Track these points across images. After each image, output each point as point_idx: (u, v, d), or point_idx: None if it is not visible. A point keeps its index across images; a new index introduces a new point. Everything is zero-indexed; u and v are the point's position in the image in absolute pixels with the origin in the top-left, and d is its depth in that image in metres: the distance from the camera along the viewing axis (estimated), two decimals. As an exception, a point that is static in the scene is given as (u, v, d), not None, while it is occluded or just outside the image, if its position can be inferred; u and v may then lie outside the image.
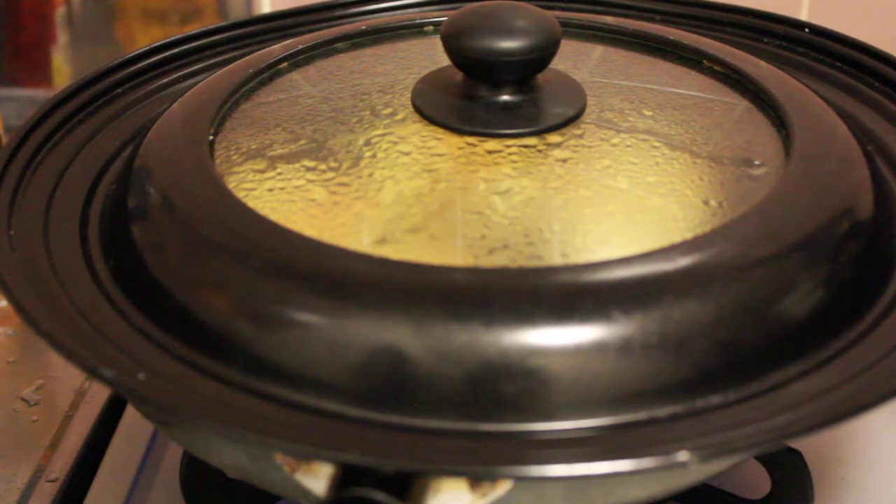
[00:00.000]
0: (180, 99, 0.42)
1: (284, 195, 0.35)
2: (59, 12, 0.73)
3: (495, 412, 0.30)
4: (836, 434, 0.46)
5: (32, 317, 0.31)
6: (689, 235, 0.33)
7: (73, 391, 0.49)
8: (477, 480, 0.29)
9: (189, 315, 0.33)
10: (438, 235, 0.33)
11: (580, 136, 0.37)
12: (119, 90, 0.45)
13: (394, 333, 0.30)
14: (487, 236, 0.33)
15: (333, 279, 0.31)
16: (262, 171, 0.37)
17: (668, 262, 0.32)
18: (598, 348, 0.30)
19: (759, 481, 0.42)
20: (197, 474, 0.42)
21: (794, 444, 0.42)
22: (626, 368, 0.30)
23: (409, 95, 0.39)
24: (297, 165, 0.37)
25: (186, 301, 0.33)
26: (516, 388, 0.30)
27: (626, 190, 0.35)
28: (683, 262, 0.32)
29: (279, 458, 0.31)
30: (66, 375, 0.50)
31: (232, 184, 0.36)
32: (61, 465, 0.45)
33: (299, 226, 0.34)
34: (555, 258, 0.32)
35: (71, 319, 0.33)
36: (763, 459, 0.42)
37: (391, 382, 0.30)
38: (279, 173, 0.36)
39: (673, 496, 0.33)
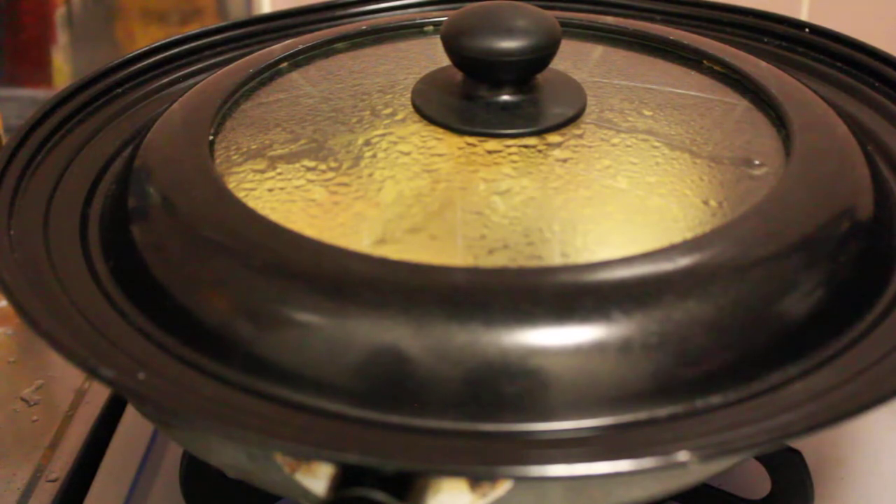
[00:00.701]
0: (180, 99, 0.42)
1: (284, 195, 0.35)
2: (59, 12, 0.73)
3: (495, 412, 0.30)
4: (836, 434, 0.46)
5: (32, 317, 0.31)
6: (689, 235, 0.33)
7: (73, 391, 0.49)
8: (477, 480, 0.29)
9: (189, 315, 0.33)
10: (438, 235, 0.33)
11: (580, 136, 0.37)
12: (119, 90, 0.45)
13: (394, 333, 0.30)
14: (487, 236, 0.33)
15: (333, 279, 0.31)
16: (262, 171, 0.37)
17: (668, 262, 0.32)
18: (597, 348, 0.30)
19: (759, 481, 0.42)
20: (197, 474, 0.42)
21: (794, 444, 0.42)
22: (626, 368, 0.30)
23: (409, 95, 0.39)
24: (297, 165, 0.37)
25: (186, 301, 0.33)
26: (516, 388, 0.30)
27: (626, 190, 0.35)
28: (683, 262, 0.32)
29: (279, 458, 0.31)
30: (66, 375, 0.50)
31: (232, 184, 0.36)
32: (61, 465, 0.45)
33: (299, 226, 0.34)
34: (555, 258, 0.32)
35: (71, 319, 0.33)
36: (763, 459, 0.42)
37: (391, 382, 0.30)
38: (279, 173, 0.36)
39: (673, 496, 0.33)
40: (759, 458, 0.42)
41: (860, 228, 0.35)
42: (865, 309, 0.33)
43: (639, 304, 0.31)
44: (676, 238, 0.33)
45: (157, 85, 0.46)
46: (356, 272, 0.31)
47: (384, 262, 0.32)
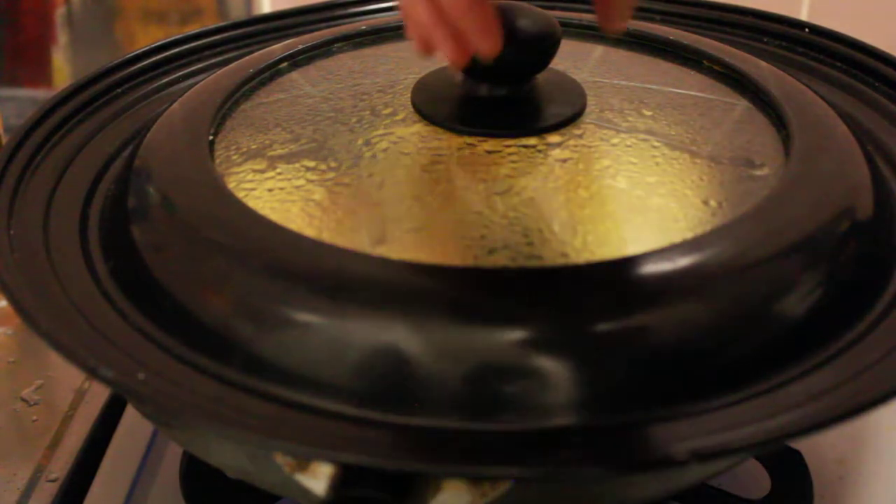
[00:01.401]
0: (180, 99, 0.42)
1: (284, 195, 0.35)
2: (59, 12, 0.73)
3: (495, 412, 0.30)
4: (836, 434, 0.46)
5: (32, 317, 0.31)
6: (689, 235, 0.33)
7: (73, 391, 0.49)
8: (477, 480, 0.29)
9: (189, 315, 0.33)
10: (438, 235, 0.33)
11: (580, 136, 0.37)
12: (119, 90, 0.45)
13: (393, 333, 0.30)
14: (487, 236, 0.33)
15: (333, 279, 0.31)
16: (262, 171, 0.37)
17: (667, 263, 0.32)
18: (597, 348, 0.30)
19: (759, 481, 0.42)
20: (197, 474, 0.42)
21: (794, 444, 0.42)
22: (626, 368, 0.30)
23: (408, 95, 0.39)
24: (297, 165, 0.37)
25: (186, 301, 0.33)
26: (516, 388, 0.30)
27: (625, 190, 0.35)
28: (683, 262, 0.32)
29: (279, 459, 0.31)
30: (66, 375, 0.50)
31: (232, 184, 0.36)
32: (61, 465, 0.45)
33: (299, 226, 0.34)
34: (555, 258, 0.32)
35: (71, 319, 0.33)
36: (763, 459, 0.42)
37: (391, 382, 0.30)
38: (279, 173, 0.36)
39: (673, 496, 0.33)
40: (759, 458, 0.42)
41: (860, 228, 0.35)
42: (865, 309, 0.33)
43: (638, 305, 0.31)
44: (676, 238, 0.33)
45: (156, 85, 0.46)
46: (356, 272, 0.31)
47: (384, 262, 0.32)
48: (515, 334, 0.30)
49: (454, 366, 0.30)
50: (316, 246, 0.32)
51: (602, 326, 0.30)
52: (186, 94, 0.42)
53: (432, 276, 0.31)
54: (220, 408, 0.30)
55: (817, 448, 0.45)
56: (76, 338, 0.32)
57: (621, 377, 0.30)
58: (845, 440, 0.46)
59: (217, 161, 0.37)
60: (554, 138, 0.37)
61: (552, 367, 0.30)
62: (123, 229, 0.36)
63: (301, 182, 0.36)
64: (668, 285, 0.31)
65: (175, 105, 0.41)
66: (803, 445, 0.42)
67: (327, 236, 0.33)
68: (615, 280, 0.31)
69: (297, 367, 0.31)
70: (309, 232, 0.33)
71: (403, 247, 0.33)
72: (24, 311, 0.31)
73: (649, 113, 0.39)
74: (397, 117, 0.38)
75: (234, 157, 0.38)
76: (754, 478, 0.42)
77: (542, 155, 0.36)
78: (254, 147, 0.38)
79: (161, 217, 0.36)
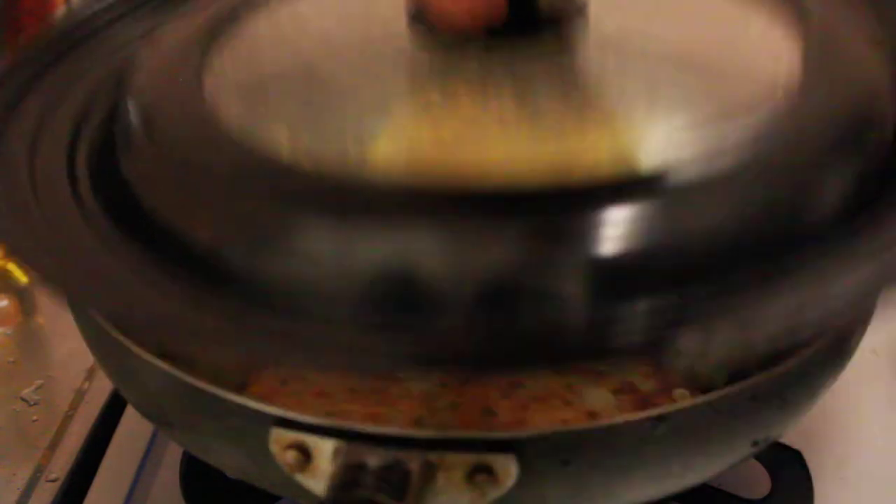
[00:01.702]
0: (165, 27, 0.40)
1: (278, 119, 0.34)
2: (59, 12, 0.73)
3: (506, 308, 0.29)
4: (836, 434, 0.46)
5: (30, 261, 0.31)
6: (702, 146, 0.31)
7: (73, 391, 0.49)
8: (476, 481, 0.29)
9: (182, 246, 0.32)
10: (437, 150, 0.32)
11: (587, 47, 0.36)
12: (101, 24, 0.43)
13: (398, 246, 0.29)
14: (494, 148, 0.31)
15: (330, 199, 0.30)
16: (254, 97, 0.36)
17: (687, 171, 0.30)
18: (619, 238, 0.29)
19: (759, 481, 0.42)
20: (197, 474, 0.42)
21: (794, 444, 0.42)
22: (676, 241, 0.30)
23: (402, 4, 0.37)
24: (288, 89, 0.35)
25: (179, 232, 0.32)
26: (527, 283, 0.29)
27: (638, 97, 0.34)
28: (700, 170, 0.30)
29: (279, 459, 0.31)
30: (66, 375, 0.50)
31: (223, 112, 0.34)
32: (61, 465, 0.45)
33: (293, 152, 0.32)
34: (567, 167, 0.31)
35: (66, 260, 0.32)
36: (763, 459, 0.42)
37: (399, 292, 0.29)
38: (271, 97, 0.35)
39: (673, 496, 0.33)
40: (759, 458, 0.42)
41: (881, 131, 0.34)
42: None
43: (661, 212, 0.30)
44: (693, 147, 0.31)
45: (138, 24, 0.44)
46: (356, 193, 0.30)
47: (382, 183, 0.30)
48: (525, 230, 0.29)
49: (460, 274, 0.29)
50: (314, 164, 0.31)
51: (621, 229, 0.29)
52: (170, 24, 0.40)
53: (429, 199, 0.30)
54: (223, 332, 0.29)
55: (817, 448, 0.45)
56: (70, 276, 0.31)
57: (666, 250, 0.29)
58: (845, 440, 0.46)
59: (206, 91, 0.35)
60: (557, 46, 0.35)
61: (570, 262, 0.29)
62: (112, 165, 0.35)
63: (296, 108, 0.35)
64: (687, 194, 0.30)
65: (160, 34, 0.40)
66: (803, 445, 0.42)
67: (323, 153, 0.32)
68: (636, 189, 0.30)
69: (293, 294, 0.30)
70: (304, 161, 0.32)
71: (399, 166, 0.31)
72: (17, 250, 0.31)
73: (659, 19, 0.37)
74: (392, 31, 0.37)
75: (226, 85, 0.36)
76: (754, 478, 0.42)
77: (555, 62, 0.35)
78: (245, 76, 0.37)
79: (152, 150, 0.35)
